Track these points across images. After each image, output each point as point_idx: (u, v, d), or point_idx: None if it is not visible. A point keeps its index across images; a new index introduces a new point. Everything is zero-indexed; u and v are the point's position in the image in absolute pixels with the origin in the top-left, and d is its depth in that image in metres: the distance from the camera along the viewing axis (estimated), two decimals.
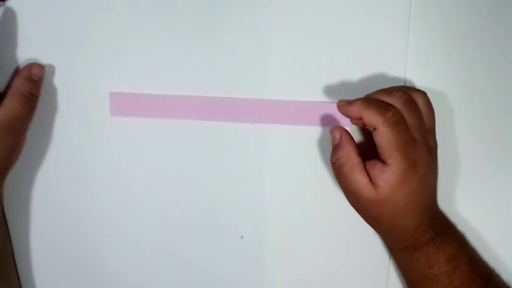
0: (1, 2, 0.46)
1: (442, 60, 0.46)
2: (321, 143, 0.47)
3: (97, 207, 0.49)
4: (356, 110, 0.41)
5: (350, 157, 0.41)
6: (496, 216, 0.47)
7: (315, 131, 0.47)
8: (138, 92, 0.47)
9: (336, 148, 0.42)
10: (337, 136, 0.42)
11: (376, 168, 0.40)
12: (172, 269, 0.50)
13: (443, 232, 0.43)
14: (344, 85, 0.46)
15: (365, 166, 0.41)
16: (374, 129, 0.40)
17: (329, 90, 0.46)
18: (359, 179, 0.41)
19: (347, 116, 0.42)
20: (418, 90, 0.43)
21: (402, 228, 0.42)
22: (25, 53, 0.47)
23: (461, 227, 0.45)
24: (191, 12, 0.46)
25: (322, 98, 0.46)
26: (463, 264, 0.42)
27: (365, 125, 0.41)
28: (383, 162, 0.40)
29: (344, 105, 0.42)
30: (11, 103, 0.44)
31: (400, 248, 0.43)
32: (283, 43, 0.46)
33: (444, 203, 0.46)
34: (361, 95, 0.45)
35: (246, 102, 0.47)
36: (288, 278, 0.49)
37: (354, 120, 0.42)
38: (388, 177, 0.40)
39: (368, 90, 0.45)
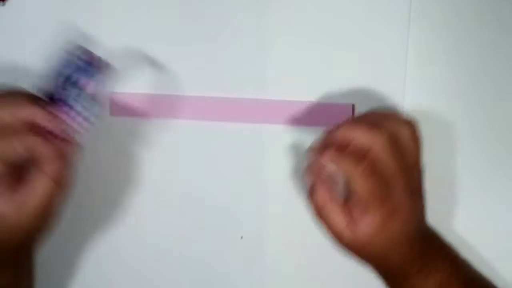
0: (1, 2, 0.46)
1: (442, 60, 0.46)
2: None
3: (96, 207, 0.49)
4: (328, 159, 0.39)
5: (325, 203, 0.40)
6: (496, 216, 0.47)
7: (316, 131, 0.47)
8: (138, 92, 0.47)
9: (310, 193, 0.41)
10: (309, 182, 0.41)
11: (355, 211, 0.39)
12: (172, 269, 0.50)
13: (433, 259, 0.42)
14: (344, 85, 0.46)
15: (346, 205, 0.40)
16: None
17: (329, 90, 0.46)
18: (337, 224, 0.40)
19: (319, 160, 0.40)
20: (406, 121, 0.41)
21: (386, 266, 0.42)
22: (24, 53, 0.47)
23: (461, 229, 0.45)
24: (191, 12, 0.46)
25: (322, 98, 0.46)
26: None
27: None
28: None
29: (316, 152, 0.40)
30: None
31: (388, 280, 0.43)
32: (283, 43, 0.46)
33: (443, 204, 0.46)
34: (361, 94, 0.46)
35: (246, 102, 0.47)
36: (288, 278, 0.49)
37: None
38: (366, 225, 0.39)
39: (367, 90, 0.45)
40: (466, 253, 0.46)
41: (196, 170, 0.48)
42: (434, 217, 0.47)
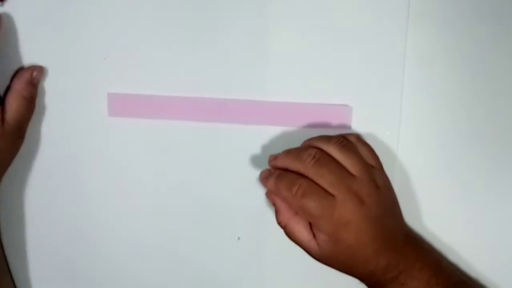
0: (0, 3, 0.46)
1: (441, 60, 0.45)
2: None
3: (95, 208, 0.49)
4: (270, 187, 0.42)
5: (287, 221, 0.42)
6: (496, 216, 0.47)
7: (315, 133, 0.47)
8: (136, 92, 0.47)
9: (275, 213, 0.43)
10: (271, 203, 0.43)
11: (312, 227, 0.42)
12: (170, 270, 0.50)
13: (409, 267, 0.41)
14: (342, 86, 0.46)
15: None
16: None
17: (327, 92, 0.46)
18: (302, 239, 0.42)
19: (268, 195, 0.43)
20: (348, 134, 0.44)
21: (359, 274, 0.42)
22: (23, 53, 0.47)
23: (460, 229, 0.45)
24: (190, 13, 0.46)
25: (322, 99, 0.46)
26: None
27: None
28: None
29: (262, 180, 0.43)
30: (17, 107, 0.46)
31: (368, 286, 0.43)
32: (282, 44, 0.46)
33: (443, 204, 0.46)
34: (361, 95, 0.45)
35: (245, 103, 0.47)
36: (286, 279, 0.49)
37: None
38: (322, 240, 0.41)
39: (367, 90, 0.45)
40: (465, 254, 0.46)
41: (194, 171, 0.48)
42: (434, 217, 0.47)
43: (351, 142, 0.43)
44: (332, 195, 0.40)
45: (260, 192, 0.47)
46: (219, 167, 0.48)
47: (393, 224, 0.43)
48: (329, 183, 0.40)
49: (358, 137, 0.45)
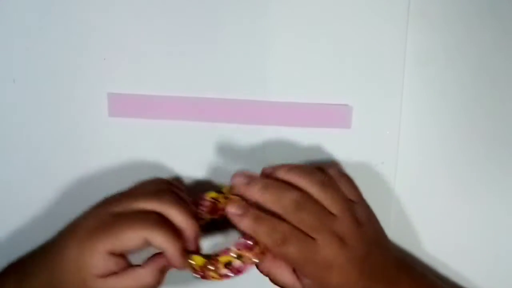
0: None
1: (440, 60, 0.45)
2: (320, 144, 0.47)
3: None
4: (246, 227, 0.40)
5: (270, 267, 0.41)
6: (496, 216, 0.47)
7: (314, 133, 0.47)
8: (136, 93, 0.47)
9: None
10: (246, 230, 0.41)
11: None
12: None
13: None
14: (342, 86, 0.46)
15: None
16: None
17: (327, 91, 0.46)
18: (286, 281, 0.41)
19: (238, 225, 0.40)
20: (328, 165, 0.43)
21: None
22: (23, 54, 0.47)
23: (460, 229, 0.45)
24: (190, 13, 0.46)
25: (322, 99, 0.46)
26: None
27: None
28: None
29: (234, 216, 0.40)
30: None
31: None
32: (282, 44, 0.46)
33: (443, 204, 0.46)
34: (361, 94, 0.45)
35: (245, 103, 0.47)
36: None
37: None
38: (306, 284, 0.40)
39: (367, 90, 0.45)
40: (465, 254, 0.46)
41: (195, 171, 0.48)
42: (434, 217, 0.47)
43: (332, 179, 0.42)
44: (313, 238, 0.39)
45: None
46: (220, 166, 0.48)
47: (382, 257, 0.42)
48: (310, 227, 0.39)
49: (338, 169, 0.44)
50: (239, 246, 0.41)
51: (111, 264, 0.39)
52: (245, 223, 0.40)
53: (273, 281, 0.42)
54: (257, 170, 0.47)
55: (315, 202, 0.40)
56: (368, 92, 0.46)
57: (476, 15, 0.45)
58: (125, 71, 0.47)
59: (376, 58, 0.45)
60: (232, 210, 0.40)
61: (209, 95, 0.47)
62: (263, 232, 0.39)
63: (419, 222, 0.47)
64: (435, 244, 0.47)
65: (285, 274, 0.41)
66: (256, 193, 0.41)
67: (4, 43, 0.47)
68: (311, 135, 0.47)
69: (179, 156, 0.48)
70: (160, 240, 0.39)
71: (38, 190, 0.49)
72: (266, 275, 0.42)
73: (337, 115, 0.44)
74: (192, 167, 0.48)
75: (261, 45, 0.46)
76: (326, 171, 0.43)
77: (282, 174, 0.42)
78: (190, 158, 0.48)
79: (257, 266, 0.42)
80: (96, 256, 0.39)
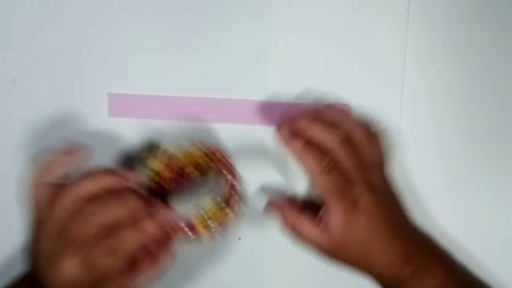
0: None
1: (440, 60, 0.45)
2: None
3: None
4: (294, 150, 0.41)
5: (294, 220, 0.42)
6: (496, 216, 0.47)
7: None
8: (136, 93, 0.47)
9: (281, 216, 0.43)
10: (275, 207, 0.44)
11: (323, 217, 0.41)
12: (169, 270, 0.49)
13: (425, 262, 0.41)
14: (341, 86, 0.46)
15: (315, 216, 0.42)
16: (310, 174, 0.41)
17: (326, 91, 0.46)
18: (310, 235, 0.42)
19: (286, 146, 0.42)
20: (361, 124, 0.43)
21: (375, 268, 0.41)
22: (23, 54, 0.47)
23: (460, 229, 0.45)
24: (190, 13, 0.46)
25: (320, 99, 0.46)
26: None
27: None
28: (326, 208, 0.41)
29: (283, 138, 0.42)
30: None
31: (383, 285, 0.42)
32: (282, 44, 0.46)
33: (443, 204, 0.45)
34: (361, 94, 0.45)
35: (245, 103, 0.47)
36: (286, 279, 0.49)
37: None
38: (333, 222, 0.40)
39: (367, 90, 0.45)
40: (465, 255, 0.46)
41: None
42: (434, 217, 0.47)
43: (375, 134, 0.44)
44: (350, 176, 0.41)
45: (261, 192, 0.47)
46: None
47: (404, 217, 0.44)
48: (351, 164, 0.41)
49: (368, 134, 0.44)
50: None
51: None
52: (295, 145, 0.41)
53: (297, 237, 0.42)
54: (257, 170, 0.47)
55: (358, 145, 0.42)
56: (368, 92, 0.46)
57: (476, 15, 0.45)
58: (125, 71, 0.47)
59: (376, 58, 0.46)
60: (282, 133, 0.42)
61: (209, 95, 0.47)
62: (311, 158, 0.40)
63: (419, 221, 0.47)
64: None
65: (310, 228, 0.42)
66: (306, 124, 0.42)
67: (4, 43, 0.47)
68: None
69: None
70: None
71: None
72: (291, 231, 0.43)
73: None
74: None
75: (261, 45, 0.46)
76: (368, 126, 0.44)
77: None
78: None
79: (282, 220, 0.43)
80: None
